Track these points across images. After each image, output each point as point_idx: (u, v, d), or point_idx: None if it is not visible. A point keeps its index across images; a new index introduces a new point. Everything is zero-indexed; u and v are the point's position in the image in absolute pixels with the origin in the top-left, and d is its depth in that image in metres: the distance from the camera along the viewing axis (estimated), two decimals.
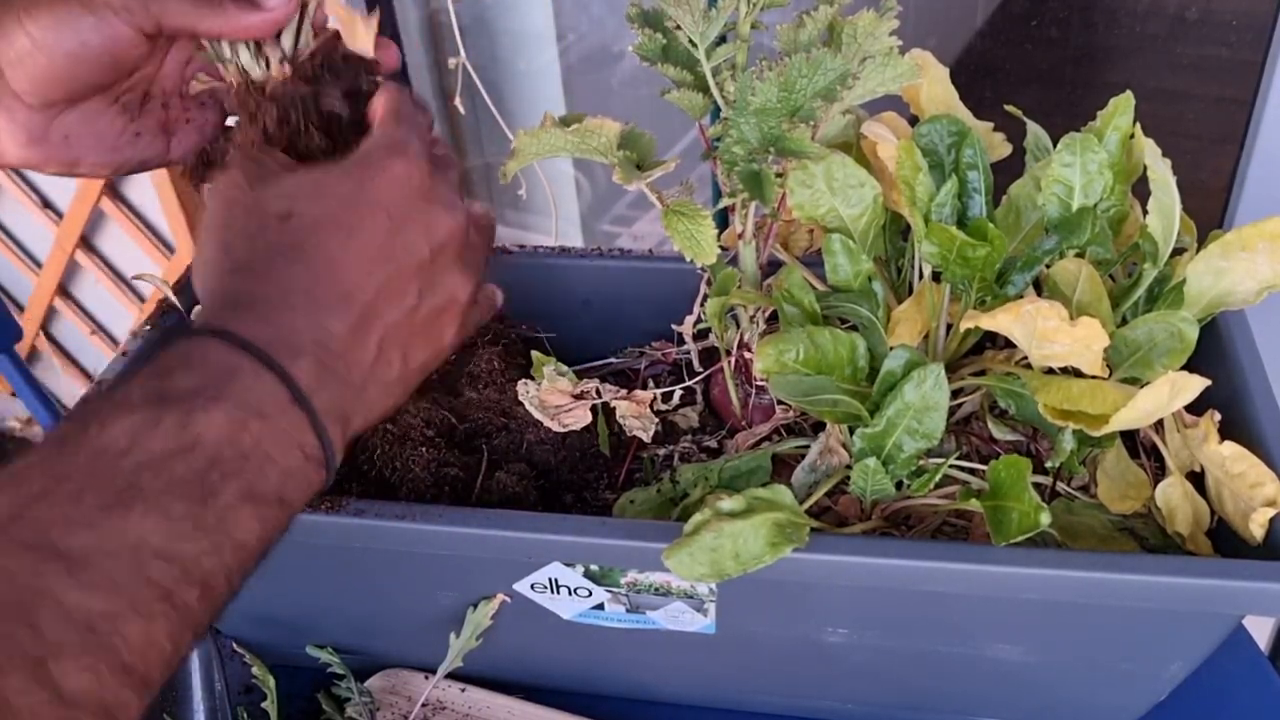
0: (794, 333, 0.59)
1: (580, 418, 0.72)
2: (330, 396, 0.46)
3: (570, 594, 0.66)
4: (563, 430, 0.72)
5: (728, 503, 0.56)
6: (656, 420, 0.74)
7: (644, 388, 0.78)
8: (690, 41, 0.61)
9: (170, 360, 0.44)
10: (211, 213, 0.50)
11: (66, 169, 0.58)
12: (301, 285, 0.47)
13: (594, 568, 0.64)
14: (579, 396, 0.72)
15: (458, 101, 1.48)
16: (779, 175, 0.63)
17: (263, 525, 0.44)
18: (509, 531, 0.62)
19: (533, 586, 0.67)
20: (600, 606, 0.67)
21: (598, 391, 0.73)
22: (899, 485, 0.63)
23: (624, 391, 0.74)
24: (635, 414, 0.73)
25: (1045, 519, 0.54)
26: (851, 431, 0.61)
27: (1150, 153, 0.66)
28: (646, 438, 0.73)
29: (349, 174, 0.50)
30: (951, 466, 0.65)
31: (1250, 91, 1.09)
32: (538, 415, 0.72)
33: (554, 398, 0.72)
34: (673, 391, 0.77)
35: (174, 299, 0.81)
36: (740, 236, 0.65)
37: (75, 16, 0.52)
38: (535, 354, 0.75)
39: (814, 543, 0.57)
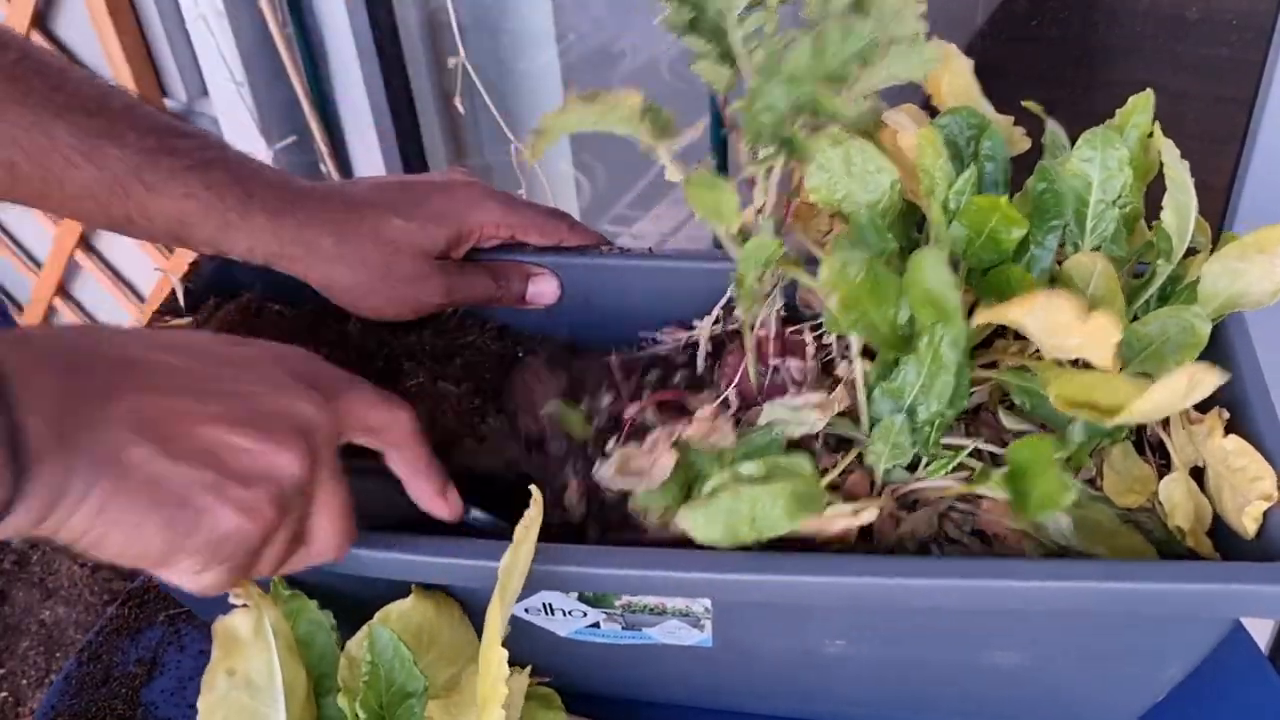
0: (858, 252, 0.57)
1: (667, 461, 0.64)
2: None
3: (565, 615, 0.65)
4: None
5: (748, 466, 0.55)
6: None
7: (667, 379, 0.76)
8: (718, 11, 0.60)
9: None
10: None
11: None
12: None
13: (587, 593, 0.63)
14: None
15: (457, 101, 1.47)
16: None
17: None
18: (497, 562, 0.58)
19: (526, 610, 0.65)
20: (596, 625, 0.66)
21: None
22: (912, 467, 0.62)
23: (686, 419, 0.67)
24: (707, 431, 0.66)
25: (1069, 498, 0.53)
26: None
27: (1169, 152, 0.66)
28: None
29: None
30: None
31: (1250, 91, 1.09)
32: (622, 485, 0.65)
33: (638, 459, 0.66)
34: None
35: (180, 294, 0.80)
36: (760, 211, 0.65)
37: None
38: None
39: (809, 564, 0.57)
